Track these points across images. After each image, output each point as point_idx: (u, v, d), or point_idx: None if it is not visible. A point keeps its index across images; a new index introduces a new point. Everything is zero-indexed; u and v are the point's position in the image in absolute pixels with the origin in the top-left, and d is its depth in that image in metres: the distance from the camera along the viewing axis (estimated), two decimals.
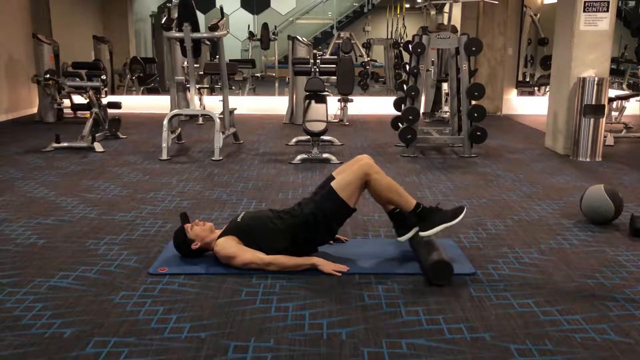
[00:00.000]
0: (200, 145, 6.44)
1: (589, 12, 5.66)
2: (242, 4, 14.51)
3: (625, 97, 7.36)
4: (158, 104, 9.09)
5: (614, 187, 3.94)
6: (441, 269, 2.73)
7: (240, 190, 4.52)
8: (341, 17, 15.39)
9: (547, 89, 7.92)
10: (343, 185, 2.91)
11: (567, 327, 2.33)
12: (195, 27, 5.90)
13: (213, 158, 5.66)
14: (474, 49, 5.78)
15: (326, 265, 2.86)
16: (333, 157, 5.52)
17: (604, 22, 5.67)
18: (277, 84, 11.53)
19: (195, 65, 6.19)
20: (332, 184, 2.95)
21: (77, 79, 7.31)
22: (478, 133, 5.73)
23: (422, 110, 7.18)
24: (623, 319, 2.41)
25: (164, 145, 5.68)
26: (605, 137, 6.06)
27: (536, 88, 10.17)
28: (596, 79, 5.56)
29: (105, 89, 6.86)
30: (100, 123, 6.74)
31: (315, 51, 6.32)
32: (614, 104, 7.35)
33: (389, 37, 12.66)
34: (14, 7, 8.63)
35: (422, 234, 2.92)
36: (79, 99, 7.62)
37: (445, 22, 6.44)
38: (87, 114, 6.83)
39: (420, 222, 2.94)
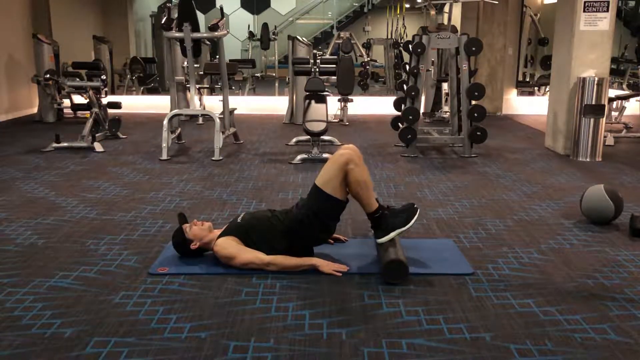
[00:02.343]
0: (200, 145, 6.44)
1: (589, 12, 5.66)
2: (242, 4, 14.50)
3: (625, 97, 7.36)
4: (158, 104, 9.09)
5: (614, 187, 3.94)
6: (395, 268, 2.73)
7: (240, 190, 4.52)
8: (341, 17, 15.38)
9: (547, 89, 7.92)
10: (326, 179, 2.91)
11: (567, 327, 2.33)
12: (195, 27, 5.90)
13: (213, 158, 5.66)
14: (474, 49, 5.78)
15: (326, 266, 2.86)
16: None
17: (604, 22, 5.67)
18: (277, 84, 11.53)
19: (195, 65, 6.19)
20: (316, 180, 2.96)
21: (77, 79, 7.32)
22: (478, 133, 5.73)
23: (422, 110, 7.17)
24: (623, 319, 2.41)
25: (164, 145, 5.69)
26: (605, 137, 6.06)
27: (536, 88, 10.17)
28: (596, 79, 5.55)
29: (105, 89, 6.86)
30: (100, 123, 6.74)
31: (315, 51, 6.32)
32: (614, 104, 7.35)
33: (389, 37, 12.65)
34: (14, 7, 8.63)
35: (378, 240, 2.96)
36: (79, 99, 7.62)
37: (445, 22, 6.43)
38: (87, 114, 6.84)
39: (376, 227, 2.98)
